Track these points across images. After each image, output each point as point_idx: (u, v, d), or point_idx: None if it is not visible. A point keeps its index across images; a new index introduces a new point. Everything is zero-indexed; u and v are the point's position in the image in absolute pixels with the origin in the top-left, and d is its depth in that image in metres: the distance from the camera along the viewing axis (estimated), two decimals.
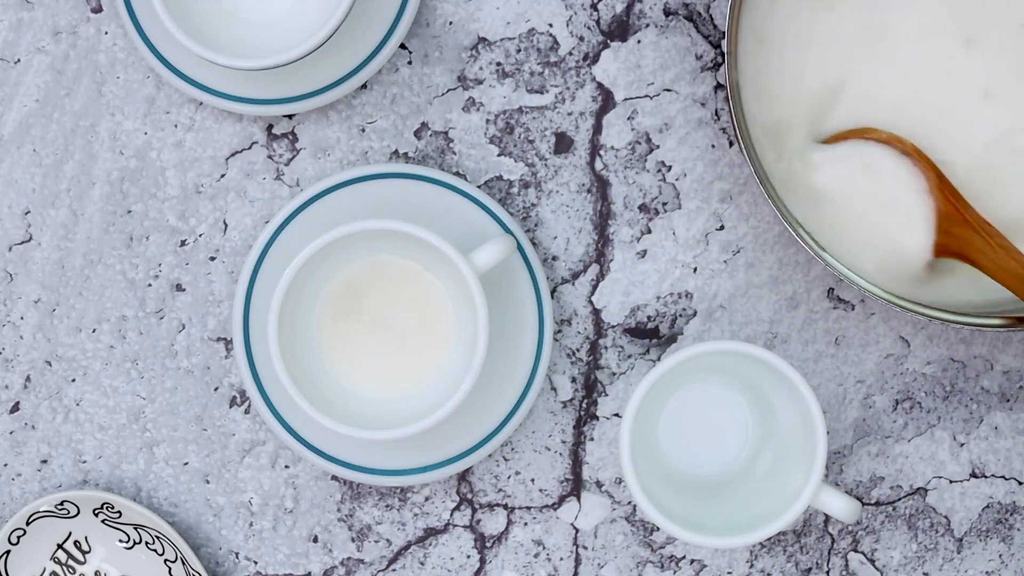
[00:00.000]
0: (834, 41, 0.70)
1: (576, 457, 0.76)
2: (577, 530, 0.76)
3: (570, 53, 0.75)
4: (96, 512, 0.75)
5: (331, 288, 0.72)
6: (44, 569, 0.75)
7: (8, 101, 0.75)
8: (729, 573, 0.76)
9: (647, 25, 0.75)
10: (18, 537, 0.74)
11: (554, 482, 0.76)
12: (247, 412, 0.76)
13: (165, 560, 0.75)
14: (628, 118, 0.75)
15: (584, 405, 0.76)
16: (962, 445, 0.76)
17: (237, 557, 0.76)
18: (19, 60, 0.75)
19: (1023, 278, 0.65)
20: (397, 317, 0.72)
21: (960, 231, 0.67)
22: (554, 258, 0.75)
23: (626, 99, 0.75)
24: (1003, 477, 0.77)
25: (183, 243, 0.76)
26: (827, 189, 0.69)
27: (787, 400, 0.70)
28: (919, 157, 0.69)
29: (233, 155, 0.75)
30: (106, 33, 0.75)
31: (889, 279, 0.70)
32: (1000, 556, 0.77)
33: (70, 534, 0.75)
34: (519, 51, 0.75)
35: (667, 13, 0.75)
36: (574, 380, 0.76)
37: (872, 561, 0.76)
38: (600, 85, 0.75)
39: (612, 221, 0.75)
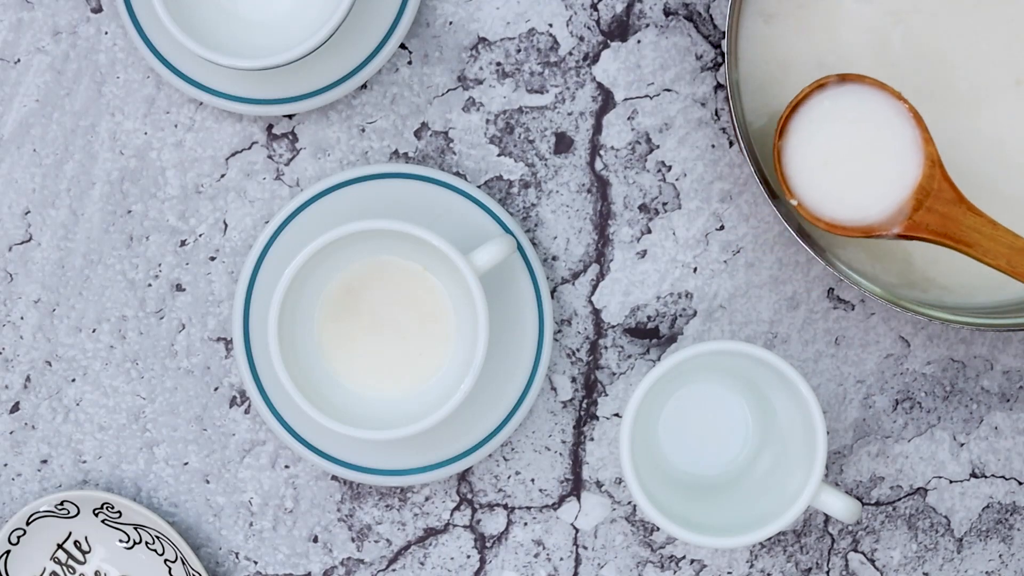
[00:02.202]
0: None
1: (576, 457, 0.76)
2: (577, 530, 0.76)
3: (570, 53, 0.75)
4: (96, 512, 0.74)
5: (331, 288, 0.72)
6: (44, 569, 0.75)
7: (8, 101, 0.75)
8: (729, 573, 0.76)
9: (647, 25, 0.75)
10: (18, 537, 0.74)
11: (554, 482, 0.76)
12: (247, 412, 0.76)
13: (165, 560, 0.75)
14: (628, 118, 0.75)
15: (584, 405, 0.76)
16: (962, 445, 0.76)
17: (237, 557, 0.76)
18: (19, 60, 0.75)
19: None
20: (397, 317, 0.72)
21: (948, 209, 0.64)
22: (554, 258, 0.75)
23: (626, 99, 0.75)
24: (1003, 477, 0.77)
25: (183, 243, 0.76)
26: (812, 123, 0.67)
27: (787, 400, 0.70)
28: (917, 118, 0.66)
29: (233, 155, 0.75)
30: (106, 33, 0.75)
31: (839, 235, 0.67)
32: (1000, 556, 0.77)
33: (70, 534, 0.75)
34: (519, 51, 0.75)
35: (667, 13, 0.75)
36: (574, 380, 0.76)
37: (872, 561, 0.76)
38: (600, 85, 0.75)
39: (612, 221, 0.75)
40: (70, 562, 0.75)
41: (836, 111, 0.66)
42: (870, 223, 0.66)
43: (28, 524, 0.74)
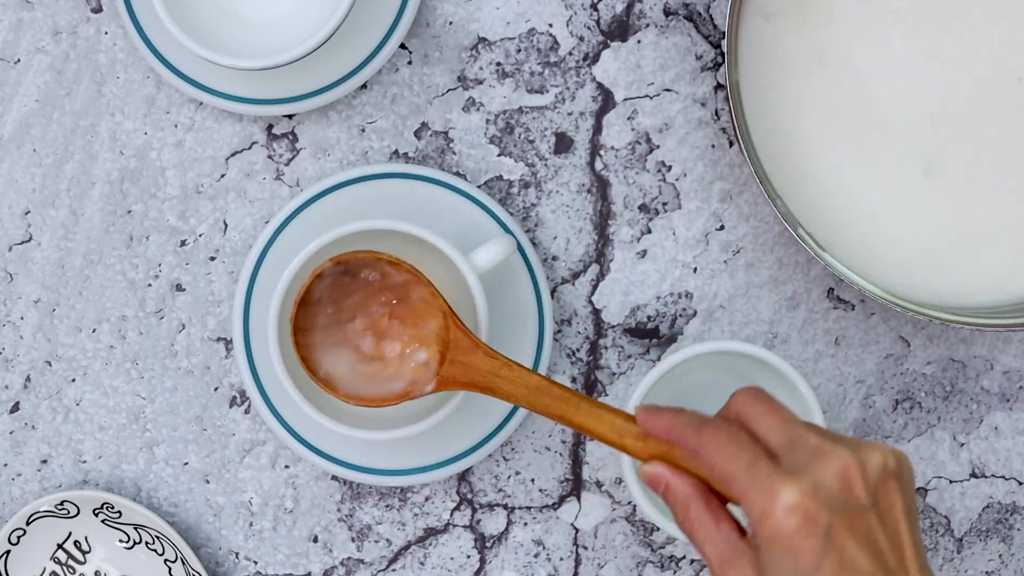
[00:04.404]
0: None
1: (576, 457, 0.76)
2: (577, 530, 0.76)
3: (570, 53, 0.75)
4: (96, 512, 0.74)
5: None
6: (44, 569, 0.75)
7: (8, 101, 0.75)
8: None
9: (647, 25, 0.75)
10: (18, 537, 0.74)
11: (554, 482, 0.76)
12: (247, 412, 0.76)
13: (165, 560, 0.75)
14: (628, 118, 0.75)
15: None
16: (962, 445, 0.76)
17: (237, 557, 0.76)
18: (19, 60, 0.75)
19: (545, 390, 0.63)
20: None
21: (468, 358, 0.65)
22: (554, 258, 0.75)
23: (626, 99, 0.75)
24: (1003, 477, 0.77)
25: (183, 243, 0.76)
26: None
27: (787, 400, 0.70)
28: (418, 275, 0.66)
29: (233, 155, 0.75)
30: (106, 33, 0.75)
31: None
32: (1000, 556, 0.77)
33: (70, 534, 0.75)
34: (519, 51, 0.75)
35: (667, 13, 0.75)
36: (574, 380, 0.76)
37: None
38: (600, 85, 0.75)
39: (612, 221, 0.75)
40: (70, 562, 0.75)
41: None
42: (405, 388, 0.67)
43: (28, 524, 0.74)
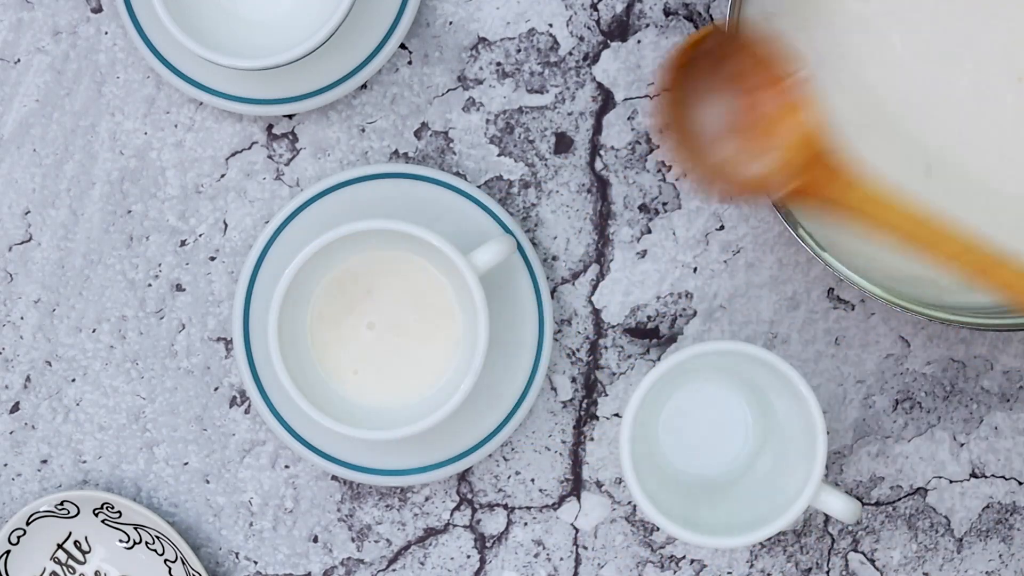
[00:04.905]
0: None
1: (576, 457, 0.76)
2: (577, 530, 0.76)
3: (570, 53, 0.75)
4: (96, 512, 0.74)
5: (331, 288, 0.72)
6: (44, 569, 0.75)
7: (8, 101, 0.75)
8: (729, 573, 0.76)
9: (647, 25, 0.75)
10: (18, 537, 0.74)
11: (554, 482, 0.76)
12: (247, 412, 0.76)
13: (165, 560, 0.75)
14: (628, 118, 0.75)
15: (584, 405, 0.76)
16: (962, 445, 0.76)
17: (237, 557, 0.76)
18: (19, 60, 0.75)
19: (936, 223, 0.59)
20: (399, 318, 0.72)
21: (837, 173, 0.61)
22: (554, 258, 0.75)
23: (626, 99, 0.75)
24: (1003, 477, 0.77)
25: (183, 243, 0.76)
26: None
27: (787, 400, 0.70)
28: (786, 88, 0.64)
29: (233, 155, 0.75)
30: (106, 33, 0.75)
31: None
32: (1000, 556, 0.77)
33: (70, 534, 0.75)
34: (519, 51, 0.75)
35: (667, 13, 0.75)
36: (574, 380, 0.76)
37: (872, 561, 0.76)
38: (600, 85, 0.75)
39: (612, 221, 0.75)
40: (70, 562, 0.75)
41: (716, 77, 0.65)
42: (762, 174, 0.63)
43: (28, 524, 0.74)
